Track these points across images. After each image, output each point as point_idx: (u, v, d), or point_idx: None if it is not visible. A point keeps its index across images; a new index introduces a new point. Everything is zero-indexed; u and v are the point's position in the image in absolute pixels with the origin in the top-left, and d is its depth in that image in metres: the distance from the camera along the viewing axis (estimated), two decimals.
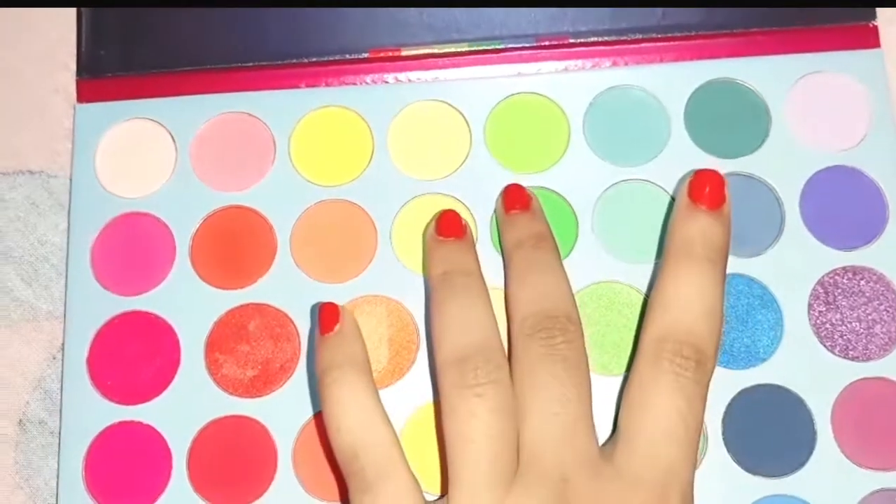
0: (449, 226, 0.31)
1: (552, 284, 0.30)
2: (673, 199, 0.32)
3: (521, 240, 0.31)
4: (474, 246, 0.31)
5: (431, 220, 0.32)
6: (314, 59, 0.34)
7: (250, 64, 0.34)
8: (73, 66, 0.35)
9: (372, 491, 0.26)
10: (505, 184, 0.33)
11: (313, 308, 0.32)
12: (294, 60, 0.34)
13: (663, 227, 0.32)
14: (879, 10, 0.34)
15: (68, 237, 0.33)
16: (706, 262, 0.28)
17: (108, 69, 0.35)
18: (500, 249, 0.32)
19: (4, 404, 0.33)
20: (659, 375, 0.27)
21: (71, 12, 0.35)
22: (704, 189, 0.29)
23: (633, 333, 0.31)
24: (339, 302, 0.32)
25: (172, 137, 0.34)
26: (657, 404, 0.27)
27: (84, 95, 0.34)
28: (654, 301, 0.29)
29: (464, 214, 0.33)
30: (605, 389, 0.31)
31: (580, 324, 0.29)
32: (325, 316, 0.29)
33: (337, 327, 0.29)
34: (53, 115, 0.35)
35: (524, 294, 0.30)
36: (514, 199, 0.32)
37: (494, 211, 0.33)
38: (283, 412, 0.31)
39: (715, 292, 0.28)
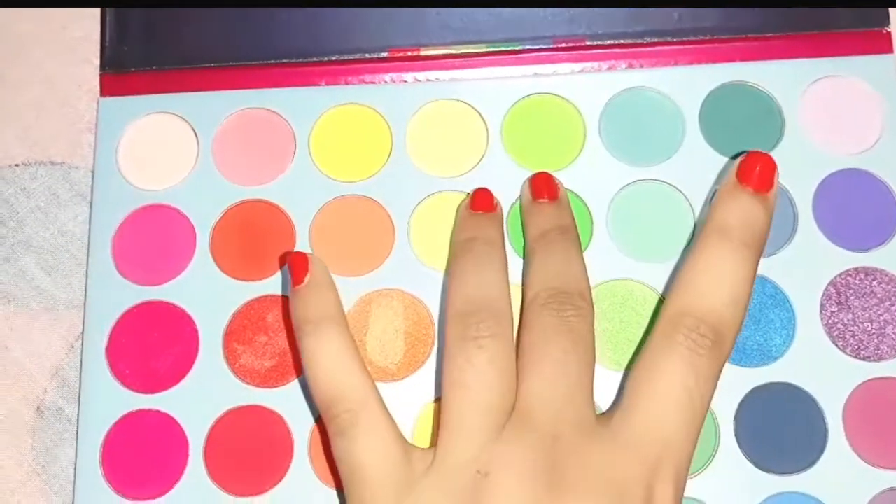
0: (482, 200, 0.32)
1: (570, 266, 0.30)
2: (687, 199, 0.33)
3: (546, 230, 0.31)
4: (503, 222, 0.32)
5: (466, 198, 0.33)
6: (335, 58, 0.35)
7: (272, 61, 0.35)
8: (97, 62, 0.36)
9: (348, 434, 0.27)
10: (521, 182, 0.33)
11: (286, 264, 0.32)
12: (315, 59, 0.35)
13: (677, 227, 0.33)
14: (893, 16, 0.34)
15: (90, 227, 0.34)
16: (742, 246, 0.28)
17: (132, 64, 0.35)
18: (515, 246, 0.32)
19: (23, 392, 0.33)
20: (673, 347, 0.27)
21: (95, 9, 0.36)
22: (755, 169, 0.29)
23: (646, 330, 0.32)
24: (356, 296, 0.32)
25: (194, 131, 0.34)
26: (666, 375, 0.27)
27: (107, 89, 0.35)
28: (681, 276, 0.28)
29: None
30: (617, 385, 0.31)
31: (592, 304, 0.29)
32: (295, 267, 0.30)
33: (307, 278, 0.29)
34: (76, 108, 0.36)
35: (541, 273, 0.30)
36: (543, 187, 0.32)
37: (520, 197, 0.33)
38: (299, 402, 0.31)
39: (746, 278, 0.28)
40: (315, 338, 0.28)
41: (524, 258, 0.32)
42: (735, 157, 0.31)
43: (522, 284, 0.31)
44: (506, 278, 0.30)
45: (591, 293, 0.30)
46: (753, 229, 0.28)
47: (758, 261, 0.28)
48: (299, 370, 0.32)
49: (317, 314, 0.29)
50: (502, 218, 0.32)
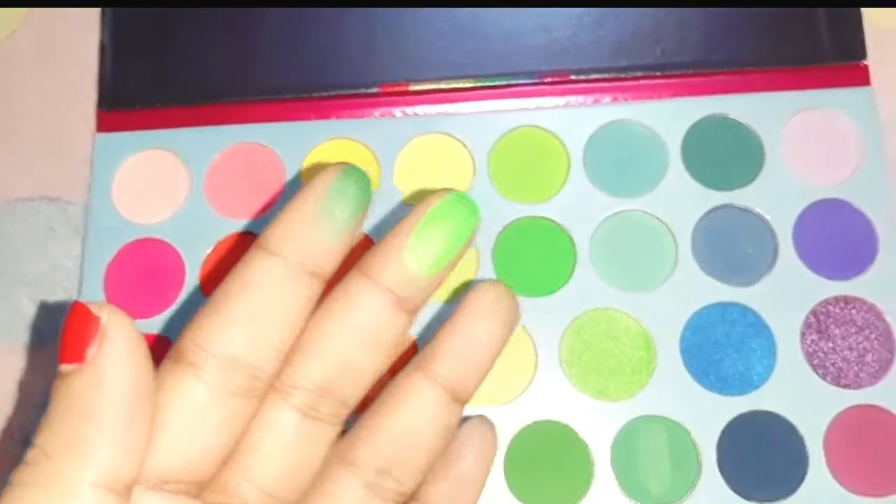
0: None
1: None
2: (669, 229, 0.33)
3: None
4: None
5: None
6: (325, 94, 0.36)
7: (264, 97, 0.36)
8: (94, 97, 0.37)
9: None
10: (507, 213, 0.34)
11: None
12: (306, 95, 0.36)
13: (660, 257, 0.33)
14: (870, 50, 0.35)
15: (82, 261, 0.34)
16: None
17: (129, 101, 0.36)
18: (501, 279, 0.33)
19: (10, 424, 0.34)
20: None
21: (94, 46, 0.37)
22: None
23: (629, 359, 0.32)
24: None
25: (187, 166, 0.35)
26: None
27: (104, 125, 0.36)
28: None
29: None
30: (601, 414, 0.32)
31: None
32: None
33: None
34: (74, 144, 0.37)
35: None
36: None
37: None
38: None
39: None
40: None
41: None
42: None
43: None
44: None
45: None
46: None
47: None
48: None
49: None
50: None
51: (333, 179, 0.23)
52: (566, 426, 0.32)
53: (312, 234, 0.23)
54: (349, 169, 0.23)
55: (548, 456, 0.32)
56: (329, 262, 0.23)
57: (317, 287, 0.23)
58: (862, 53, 0.35)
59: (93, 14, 0.37)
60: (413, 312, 0.24)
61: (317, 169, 0.35)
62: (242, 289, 0.22)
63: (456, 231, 0.24)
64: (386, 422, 0.24)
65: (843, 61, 0.35)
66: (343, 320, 0.23)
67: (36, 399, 0.34)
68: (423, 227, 0.24)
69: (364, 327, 0.23)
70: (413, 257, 0.23)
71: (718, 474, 0.31)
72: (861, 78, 0.35)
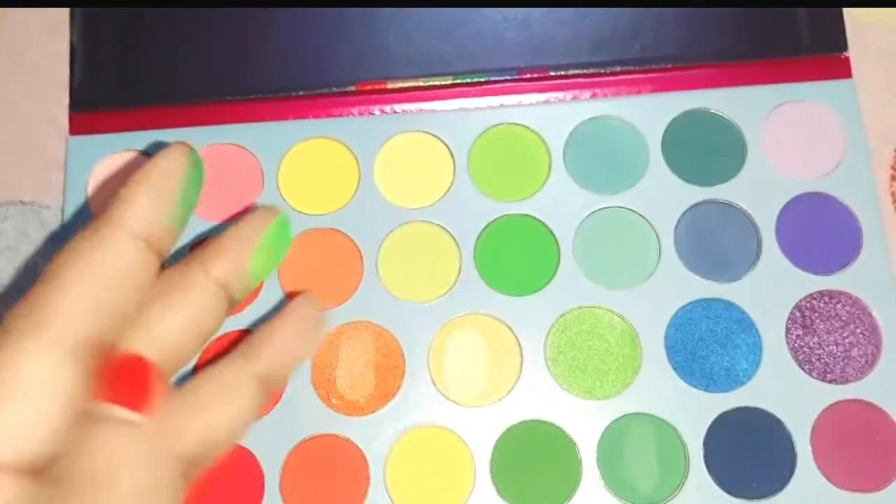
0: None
1: None
2: (652, 225, 0.33)
3: None
4: None
5: None
6: (302, 93, 0.35)
7: (240, 97, 0.35)
8: (66, 100, 0.36)
9: None
10: (488, 211, 0.33)
11: None
12: (283, 94, 0.35)
13: (642, 253, 0.33)
14: (851, 42, 0.35)
15: None
16: None
17: (100, 103, 0.35)
18: (485, 278, 0.33)
19: None
20: None
21: (64, 47, 0.36)
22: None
23: (614, 357, 0.32)
24: (325, 329, 0.32)
25: None
26: None
27: (76, 128, 0.35)
28: None
29: (448, 241, 0.33)
30: (588, 413, 0.31)
31: None
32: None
33: None
34: (46, 147, 0.36)
35: None
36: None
37: None
38: (270, 438, 0.31)
39: None
40: None
41: None
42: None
43: None
44: None
45: None
46: None
47: None
48: (270, 407, 0.32)
49: None
50: None
51: (182, 165, 0.25)
52: (553, 425, 0.31)
53: (160, 214, 0.24)
54: (192, 153, 0.25)
55: (535, 456, 0.31)
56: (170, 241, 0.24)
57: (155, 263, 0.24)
58: (843, 45, 0.35)
59: (61, 17, 0.37)
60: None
61: (295, 169, 0.34)
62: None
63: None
64: None
65: (823, 53, 0.35)
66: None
67: None
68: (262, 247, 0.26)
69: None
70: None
71: (706, 471, 0.31)
72: (842, 70, 0.35)
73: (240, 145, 0.35)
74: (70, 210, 0.34)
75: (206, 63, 0.35)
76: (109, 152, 0.35)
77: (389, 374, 0.32)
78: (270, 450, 0.31)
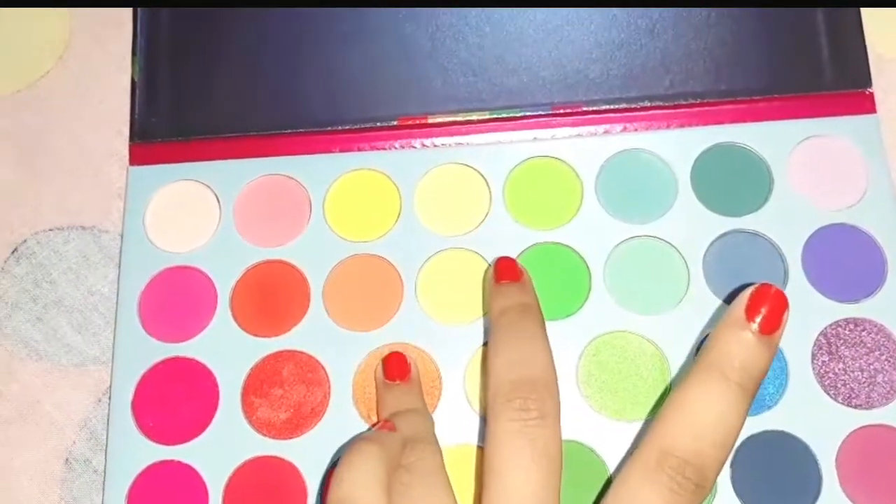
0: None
1: (532, 348, 0.29)
2: (680, 254, 0.34)
3: (506, 307, 0.31)
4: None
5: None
6: (348, 127, 0.37)
7: (289, 131, 0.37)
8: (127, 132, 0.38)
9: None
10: (523, 239, 0.35)
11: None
12: (329, 128, 0.37)
13: (671, 280, 0.34)
14: (875, 79, 0.36)
15: (118, 288, 0.36)
16: (738, 389, 0.27)
17: (159, 135, 0.38)
18: None
19: (53, 444, 0.35)
20: (654, 484, 0.26)
21: (126, 83, 0.39)
22: (760, 309, 0.27)
23: (644, 381, 0.33)
24: (367, 351, 0.34)
25: (217, 197, 0.37)
26: None
27: (136, 159, 0.38)
28: (672, 405, 0.27)
29: (483, 268, 0.35)
30: (618, 434, 0.32)
31: (557, 394, 0.29)
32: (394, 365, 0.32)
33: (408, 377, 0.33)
34: (108, 176, 0.38)
35: (503, 357, 0.29)
36: (506, 270, 0.32)
37: (484, 280, 0.35)
38: (313, 453, 0.33)
39: (736, 423, 0.27)
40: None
41: (488, 337, 0.32)
42: (740, 288, 0.29)
43: (486, 364, 0.32)
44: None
45: (556, 381, 0.29)
46: (752, 372, 0.27)
47: (751, 403, 0.27)
48: (313, 422, 0.33)
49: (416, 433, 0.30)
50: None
51: None
52: (583, 445, 0.33)
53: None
54: None
55: (566, 475, 0.32)
56: None
57: None
58: (867, 81, 0.36)
59: (124, 54, 0.39)
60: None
61: (340, 199, 0.36)
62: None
63: None
64: None
65: (847, 89, 0.36)
66: None
67: (77, 418, 0.35)
68: None
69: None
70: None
71: (733, 493, 0.32)
72: (867, 106, 0.36)
73: (290, 176, 0.37)
74: (128, 235, 0.36)
75: (257, 98, 0.37)
76: (167, 181, 0.37)
77: (427, 395, 0.34)
78: (313, 464, 0.33)
